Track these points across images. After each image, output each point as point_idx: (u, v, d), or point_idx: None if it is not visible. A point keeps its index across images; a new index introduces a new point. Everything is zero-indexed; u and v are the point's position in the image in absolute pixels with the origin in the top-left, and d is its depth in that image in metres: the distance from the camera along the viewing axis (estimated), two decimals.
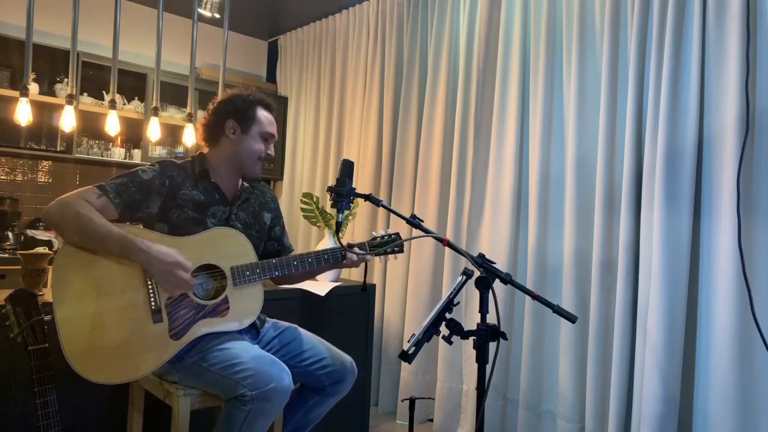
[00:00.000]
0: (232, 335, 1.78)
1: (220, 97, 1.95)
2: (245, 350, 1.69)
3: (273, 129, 1.92)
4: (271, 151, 1.92)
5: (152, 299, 1.69)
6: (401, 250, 1.98)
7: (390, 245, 1.95)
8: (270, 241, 2.06)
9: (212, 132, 1.90)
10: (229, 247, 1.81)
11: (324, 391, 1.92)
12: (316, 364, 1.90)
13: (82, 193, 1.69)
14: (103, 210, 1.68)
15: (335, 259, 1.90)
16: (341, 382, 1.91)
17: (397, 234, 1.99)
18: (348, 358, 1.95)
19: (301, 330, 2.01)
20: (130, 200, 1.73)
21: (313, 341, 1.96)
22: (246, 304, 1.81)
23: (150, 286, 1.69)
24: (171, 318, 1.70)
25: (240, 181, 1.98)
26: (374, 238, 1.98)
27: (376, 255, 1.95)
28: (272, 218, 2.07)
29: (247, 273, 1.80)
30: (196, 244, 1.78)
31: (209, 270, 1.79)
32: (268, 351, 1.87)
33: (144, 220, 1.80)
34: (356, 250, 1.90)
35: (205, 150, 1.94)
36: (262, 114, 1.90)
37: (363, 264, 1.96)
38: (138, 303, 1.68)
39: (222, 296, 1.77)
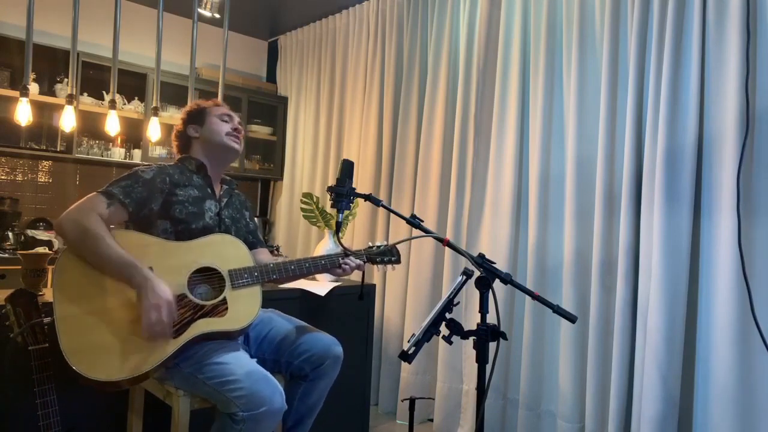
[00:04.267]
0: (230, 347, 1.77)
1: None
2: (240, 366, 1.69)
3: (228, 111, 2.05)
4: (236, 126, 2.02)
5: None
6: (398, 261, 2.02)
7: (386, 255, 1.99)
8: (248, 234, 2.11)
9: (182, 142, 2.05)
10: (227, 251, 1.84)
11: (308, 377, 1.92)
12: (293, 354, 1.90)
13: (92, 204, 1.70)
14: (113, 215, 1.72)
15: (332, 264, 1.93)
16: (321, 365, 1.91)
17: (394, 246, 2.02)
18: (327, 339, 1.94)
19: (276, 318, 2.02)
20: (139, 198, 1.78)
21: (287, 327, 1.96)
22: (244, 305, 1.81)
23: None
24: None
25: (220, 183, 2.07)
26: (371, 247, 2.01)
27: (372, 263, 1.99)
28: (249, 215, 2.15)
29: (245, 275, 1.82)
30: (196, 248, 1.80)
31: (208, 273, 1.80)
32: (249, 348, 1.89)
33: (147, 218, 1.81)
34: (351, 258, 1.94)
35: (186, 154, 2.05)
36: (212, 108, 2.04)
37: (361, 272, 2.01)
38: (137, 301, 1.68)
39: (221, 297, 1.78)
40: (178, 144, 2.07)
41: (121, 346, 1.65)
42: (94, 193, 1.73)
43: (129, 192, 1.76)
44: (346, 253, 1.91)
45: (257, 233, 2.16)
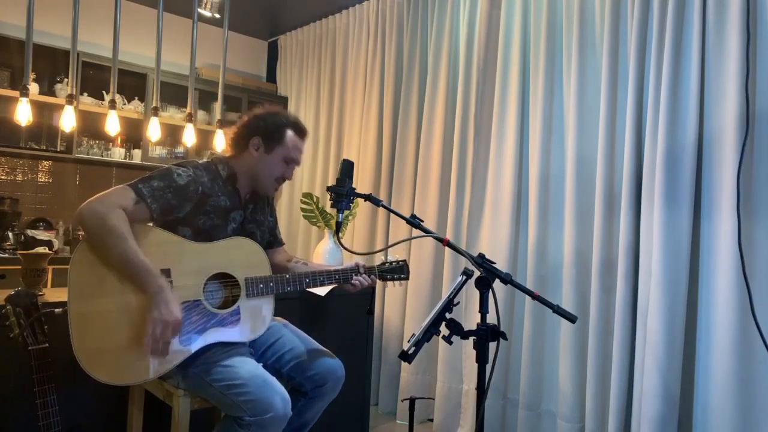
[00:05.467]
0: (237, 350, 1.77)
1: (255, 111, 1.95)
2: (248, 371, 1.68)
3: (297, 154, 1.91)
4: (290, 175, 1.92)
5: None
6: (407, 278, 2.02)
7: (396, 272, 1.99)
8: (268, 233, 2.08)
9: (238, 143, 1.91)
10: (245, 257, 1.83)
11: (307, 395, 1.91)
12: (297, 368, 1.89)
13: (119, 197, 1.64)
14: (136, 213, 1.66)
15: (345, 279, 1.93)
16: (322, 386, 1.90)
17: (404, 261, 2.02)
18: (332, 361, 1.93)
19: (287, 328, 2.00)
20: (166, 205, 1.71)
21: (295, 342, 1.95)
22: (256, 317, 1.82)
23: None
24: (183, 323, 1.69)
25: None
26: (383, 264, 2.00)
27: (381, 280, 1.99)
28: (271, 211, 2.10)
29: (261, 285, 1.81)
30: (216, 251, 1.78)
31: (224, 278, 1.79)
32: (254, 352, 1.88)
33: (169, 222, 1.77)
34: (364, 276, 1.93)
35: (228, 154, 1.95)
36: (290, 137, 1.89)
37: (370, 287, 1.99)
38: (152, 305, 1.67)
39: (234, 306, 1.78)
40: (232, 144, 1.92)
41: (132, 349, 1.64)
42: (123, 185, 1.68)
43: (158, 197, 1.69)
44: (359, 270, 1.92)
45: (276, 231, 2.13)
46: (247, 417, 1.60)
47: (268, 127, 1.88)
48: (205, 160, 1.91)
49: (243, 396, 1.62)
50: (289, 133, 1.89)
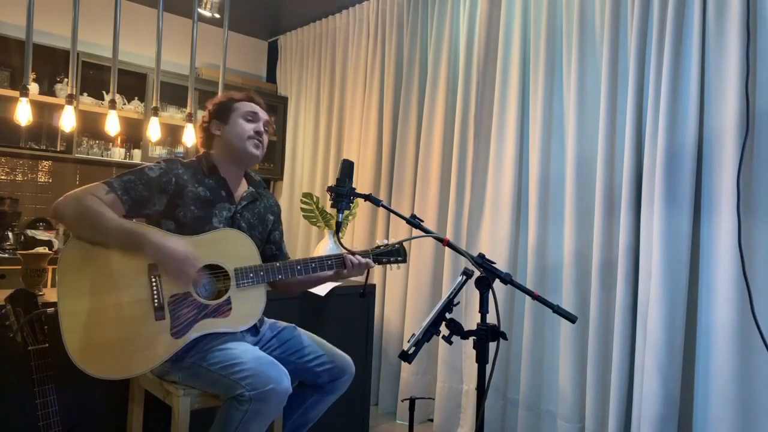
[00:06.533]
0: (233, 336, 1.78)
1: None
2: (245, 351, 1.70)
3: (254, 108, 1.97)
4: (259, 128, 1.94)
5: (155, 296, 1.69)
6: (404, 260, 2.00)
7: (392, 255, 1.97)
8: (269, 244, 2.07)
9: (205, 136, 2.00)
10: (234, 248, 1.82)
11: (323, 389, 1.93)
12: (315, 361, 1.91)
13: (91, 188, 1.71)
14: (111, 205, 1.70)
15: (338, 264, 1.92)
16: (339, 379, 1.93)
17: (400, 243, 2.00)
18: (346, 357, 1.97)
19: (299, 329, 2.02)
20: (138, 197, 1.75)
21: (311, 339, 1.98)
22: (248, 306, 1.81)
23: (154, 283, 1.70)
24: (173, 316, 1.70)
25: (246, 182, 2.01)
26: (377, 247, 1.99)
27: (378, 263, 1.97)
28: (274, 222, 2.08)
29: (251, 275, 1.81)
30: (202, 244, 1.78)
31: (213, 270, 1.80)
32: (266, 350, 1.88)
33: (149, 217, 1.80)
34: (358, 256, 1.92)
35: (204, 150, 2.00)
36: (240, 103, 1.97)
37: (365, 271, 1.98)
38: (141, 299, 1.68)
39: (225, 297, 1.78)
40: (201, 137, 2.00)
41: (123, 344, 1.65)
42: (96, 182, 1.73)
43: (129, 189, 1.73)
44: (352, 253, 1.92)
45: (281, 244, 2.11)
46: (246, 392, 1.59)
47: (217, 108, 1.97)
48: (190, 159, 1.95)
49: (241, 373, 1.62)
50: (237, 102, 1.98)
